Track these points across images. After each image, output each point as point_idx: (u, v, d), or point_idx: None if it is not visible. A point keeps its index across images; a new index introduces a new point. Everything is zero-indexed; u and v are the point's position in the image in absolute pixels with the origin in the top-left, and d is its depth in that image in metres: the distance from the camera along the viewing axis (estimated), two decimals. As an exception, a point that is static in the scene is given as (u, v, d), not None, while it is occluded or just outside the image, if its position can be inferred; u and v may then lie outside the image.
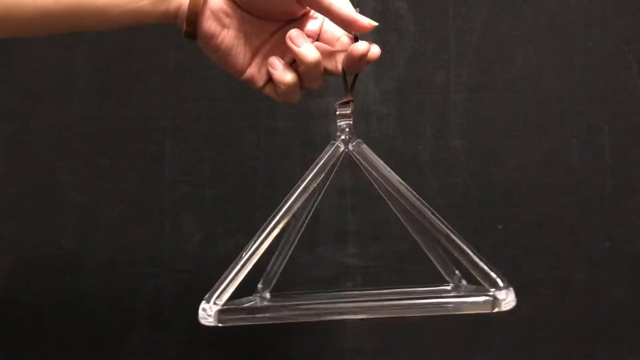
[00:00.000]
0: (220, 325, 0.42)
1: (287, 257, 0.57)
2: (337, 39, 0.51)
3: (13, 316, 0.85)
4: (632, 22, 0.86)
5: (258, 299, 0.57)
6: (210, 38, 0.49)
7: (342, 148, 0.51)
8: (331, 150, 0.50)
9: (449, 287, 0.57)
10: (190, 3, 0.47)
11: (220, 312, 0.42)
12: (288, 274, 0.84)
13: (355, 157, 0.50)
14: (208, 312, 0.42)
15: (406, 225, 0.53)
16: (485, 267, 0.43)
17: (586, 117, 0.86)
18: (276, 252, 0.56)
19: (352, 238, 0.86)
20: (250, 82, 0.52)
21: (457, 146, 0.86)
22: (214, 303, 0.42)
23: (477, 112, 0.87)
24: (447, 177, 0.86)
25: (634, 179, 0.85)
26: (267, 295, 0.58)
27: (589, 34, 0.87)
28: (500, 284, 0.43)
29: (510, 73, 0.87)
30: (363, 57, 0.47)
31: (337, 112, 0.51)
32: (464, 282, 0.55)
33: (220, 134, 0.87)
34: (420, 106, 0.87)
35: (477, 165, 0.86)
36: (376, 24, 0.47)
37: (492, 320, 0.84)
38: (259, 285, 0.58)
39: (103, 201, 0.86)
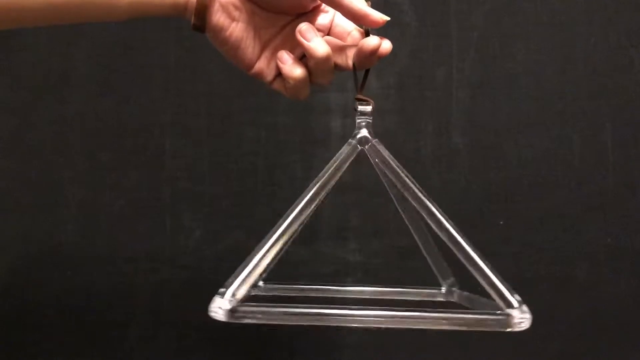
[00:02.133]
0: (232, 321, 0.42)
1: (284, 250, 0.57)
2: (348, 34, 0.50)
3: (13, 311, 0.85)
4: (635, 19, 0.86)
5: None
6: (219, 31, 0.48)
7: (359, 147, 0.49)
8: (348, 149, 0.49)
9: (442, 291, 0.57)
10: None
11: (232, 310, 0.41)
12: (288, 269, 0.84)
13: (370, 156, 0.49)
14: (220, 308, 0.41)
15: (408, 224, 0.52)
16: (501, 286, 0.43)
17: (588, 113, 0.86)
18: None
19: (353, 234, 0.86)
20: (259, 76, 0.51)
21: (459, 142, 0.86)
22: (229, 299, 0.41)
23: (478, 108, 0.86)
24: (449, 173, 0.86)
25: (635, 176, 0.85)
26: (261, 284, 0.57)
27: (591, 30, 0.86)
28: (515, 304, 0.42)
29: (512, 69, 0.87)
30: (374, 52, 0.47)
31: (357, 110, 0.50)
32: (456, 288, 0.56)
33: (220, 130, 0.87)
34: (421, 102, 0.87)
35: (479, 161, 0.86)
36: (388, 18, 0.46)
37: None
38: None
39: (103, 197, 0.86)
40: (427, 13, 0.87)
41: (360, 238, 0.86)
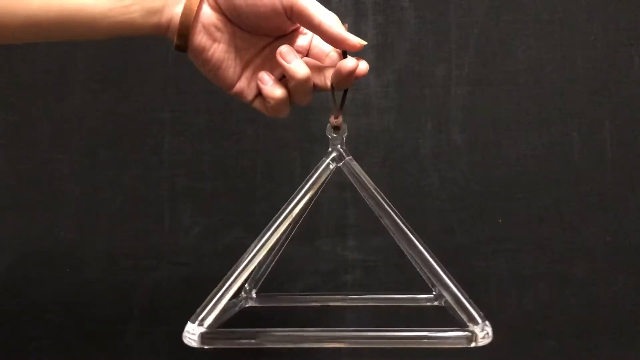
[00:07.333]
0: (204, 347, 0.43)
1: (276, 259, 0.58)
2: (326, 55, 0.51)
3: (12, 308, 0.85)
4: (635, 16, 0.85)
5: (243, 300, 0.58)
6: (200, 52, 0.49)
7: (332, 165, 0.51)
8: (322, 167, 0.51)
9: (432, 296, 0.59)
10: (181, 17, 0.47)
11: (204, 334, 0.43)
12: (288, 266, 0.84)
13: (346, 173, 0.50)
14: (192, 333, 0.43)
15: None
16: (465, 302, 0.44)
17: (587, 111, 0.86)
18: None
19: (352, 231, 0.86)
20: (239, 96, 0.52)
21: (458, 139, 0.86)
22: (199, 324, 0.43)
23: (477, 106, 0.86)
24: (448, 171, 0.86)
25: (634, 174, 0.85)
26: (254, 295, 0.59)
27: (591, 28, 0.86)
28: (479, 319, 0.44)
29: (511, 66, 0.86)
30: (351, 73, 0.47)
31: (331, 128, 0.52)
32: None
33: (219, 127, 0.87)
34: (420, 99, 0.87)
35: (478, 159, 0.86)
36: (365, 43, 0.47)
37: (491, 315, 0.84)
38: (246, 286, 0.58)
39: (102, 194, 0.86)
40: (427, 10, 0.87)
41: (359, 235, 0.86)
